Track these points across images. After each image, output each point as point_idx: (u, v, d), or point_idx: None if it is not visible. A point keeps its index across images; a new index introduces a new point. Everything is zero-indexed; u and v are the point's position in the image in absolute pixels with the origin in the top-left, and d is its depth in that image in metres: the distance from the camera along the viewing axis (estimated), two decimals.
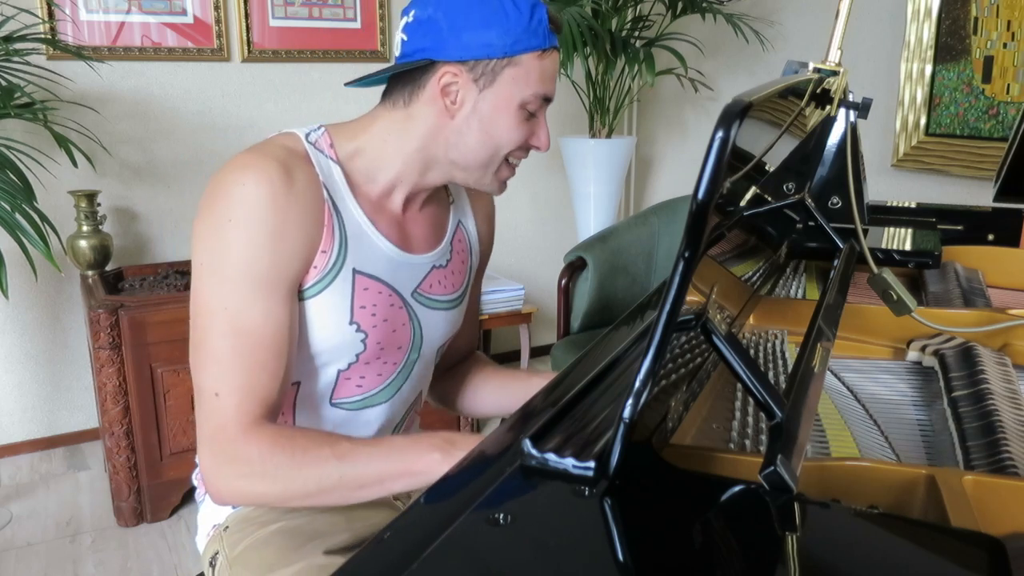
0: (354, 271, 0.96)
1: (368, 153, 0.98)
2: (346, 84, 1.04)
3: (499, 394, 1.21)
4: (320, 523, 1.02)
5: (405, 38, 0.95)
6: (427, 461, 0.84)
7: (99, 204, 2.47)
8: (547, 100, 0.96)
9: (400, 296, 1.01)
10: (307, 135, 0.96)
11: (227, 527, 1.04)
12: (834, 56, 1.22)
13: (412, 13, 0.94)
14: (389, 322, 1.00)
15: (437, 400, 1.26)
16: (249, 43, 2.74)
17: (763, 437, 0.82)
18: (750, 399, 0.89)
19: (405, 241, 1.01)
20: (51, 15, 2.47)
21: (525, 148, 0.99)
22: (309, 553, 0.98)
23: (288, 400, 1.00)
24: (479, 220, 1.15)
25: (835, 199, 1.37)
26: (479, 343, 3.14)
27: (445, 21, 0.91)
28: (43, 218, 1.94)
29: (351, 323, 0.96)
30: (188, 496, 2.32)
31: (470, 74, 0.92)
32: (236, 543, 1.02)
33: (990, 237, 1.57)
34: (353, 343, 0.97)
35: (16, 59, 2.20)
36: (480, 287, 1.22)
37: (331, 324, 0.95)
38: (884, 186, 2.72)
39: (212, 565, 1.04)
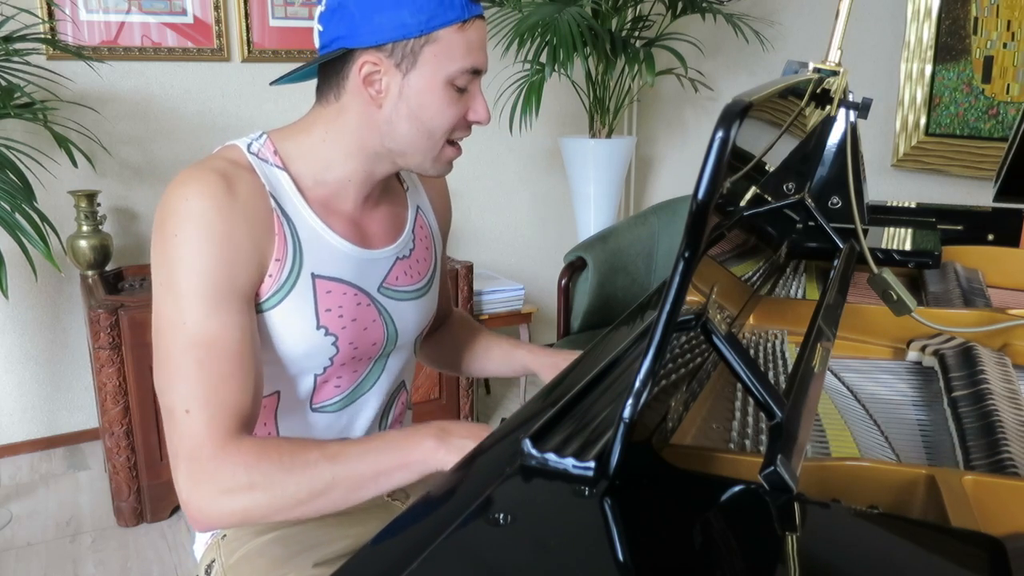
0: (313, 275, 0.94)
1: (312, 155, 0.96)
2: (271, 83, 1.02)
3: (487, 361, 1.24)
4: (317, 530, 1.02)
5: (321, 28, 0.91)
6: (423, 450, 0.82)
7: (99, 204, 2.47)
8: (477, 72, 0.93)
9: (366, 293, 1.00)
10: (248, 145, 0.94)
11: (225, 535, 1.04)
12: (834, 56, 1.22)
13: (324, 1, 0.91)
14: (358, 321, 0.99)
15: (430, 362, 1.28)
16: (249, 43, 2.75)
17: (763, 437, 0.82)
18: (750, 399, 0.89)
19: (363, 238, 1.00)
20: (51, 15, 2.47)
21: (465, 125, 0.96)
22: (299, 565, 0.97)
23: (270, 411, 0.99)
24: (435, 199, 1.14)
25: (835, 199, 1.37)
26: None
27: (355, 6, 0.88)
28: (43, 218, 1.94)
29: (319, 327, 0.95)
30: None
31: (390, 59, 0.89)
32: (232, 551, 1.01)
33: (990, 237, 1.57)
34: (324, 347, 0.96)
35: (16, 59, 2.20)
36: (445, 259, 1.21)
37: (298, 331, 0.94)
38: (884, 186, 2.72)
39: (208, 573, 1.03)
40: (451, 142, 0.96)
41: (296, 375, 0.98)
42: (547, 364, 1.15)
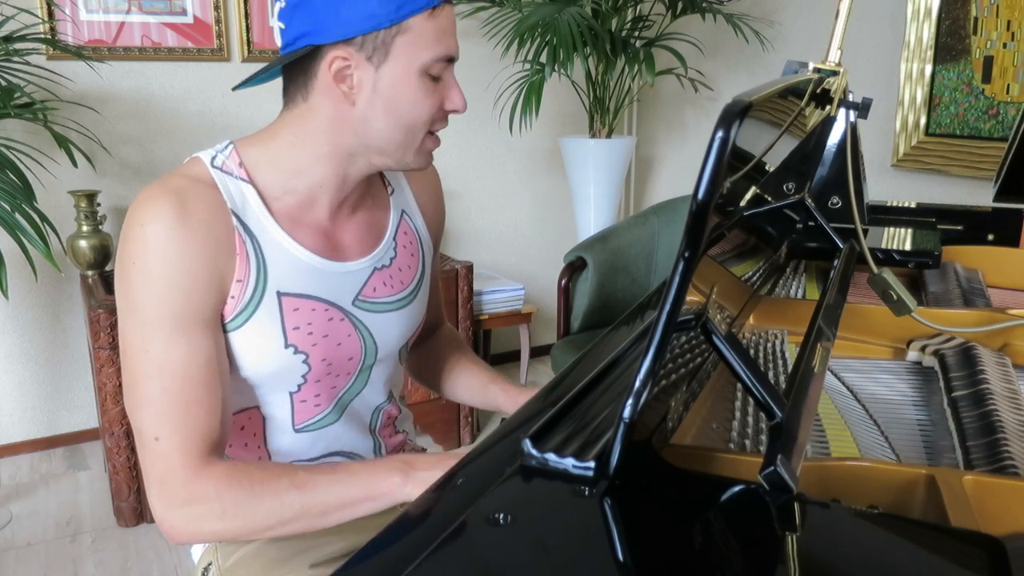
0: (279, 294, 0.91)
1: (280, 162, 0.92)
2: (233, 88, 0.99)
3: (462, 388, 1.21)
4: (313, 532, 1.02)
5: (283, 26, 0.87)
6: (388, 484, 0.84)
7: (99, 204, 2.47)
8: (450, 60, 0.89)
9: (339, 308, 0.96)
10: (213, 159, 0.91)
11: None
12: (834, 56, 1.22)
13: None
14: (331, 337, 0.96)
15: (411, 374, 1.26)
16: (249, 43, 2.75)
17: (763, 437, 0.82)
18: (750, 399, 0.89)
19: (335, 250, 0.96)
20: (51, 15, 2.47)
21: (443, 115, 0.92)
22: (296, 566, 0.97)
23: (258, 433, 0.99)
24: (424, 201, 1.10)
25: (835, 199, 1.37)
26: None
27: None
28: (43, 218, 1.94)
29: (287, 346, 0.93)
30: None
31: (361, 53, 0.85)
32: (229, 554, 1.01)
33: (990, 237, 1.57)
34: (294, 365, 0.94)
35: (16, 59, 2.20)
36: (438, 261, 1.16)
37: (266, 352, 0.92)
38: (884, 186, 2.72)
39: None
40: (431, 133, 0.93)
41: (268, 393, 0.97)
42: (520, 404, 1.13)
